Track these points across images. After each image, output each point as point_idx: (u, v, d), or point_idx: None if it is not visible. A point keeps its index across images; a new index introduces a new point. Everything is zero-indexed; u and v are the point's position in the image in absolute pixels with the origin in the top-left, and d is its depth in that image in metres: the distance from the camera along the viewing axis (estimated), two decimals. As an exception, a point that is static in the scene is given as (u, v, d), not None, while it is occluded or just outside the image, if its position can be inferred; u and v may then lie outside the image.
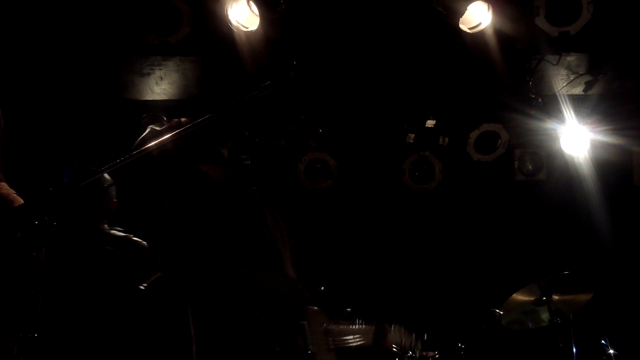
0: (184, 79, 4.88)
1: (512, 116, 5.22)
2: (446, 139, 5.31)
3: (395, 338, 3.12)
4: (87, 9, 4.30)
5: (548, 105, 5.03)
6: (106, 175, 3.35)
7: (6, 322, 2.60)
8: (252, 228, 2.30)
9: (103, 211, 3.71)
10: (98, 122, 5.11)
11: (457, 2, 4.12)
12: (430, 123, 5.20)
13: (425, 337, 3.92)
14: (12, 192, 2.61)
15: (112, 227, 3.79)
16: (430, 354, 4.35)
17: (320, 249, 5.28)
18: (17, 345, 2.65)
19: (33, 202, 1.86)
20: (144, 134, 2.46)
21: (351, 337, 2.69)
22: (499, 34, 4.27)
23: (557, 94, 4.95)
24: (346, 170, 5.58)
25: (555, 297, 4.29)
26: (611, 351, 4.22)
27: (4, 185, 2.65)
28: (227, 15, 4.19)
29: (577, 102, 5.08)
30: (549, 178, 5.57)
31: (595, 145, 5.18)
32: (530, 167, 5.60)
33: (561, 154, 5.35)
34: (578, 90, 5.01)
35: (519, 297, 4.37)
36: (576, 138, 5.17)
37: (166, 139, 1.91)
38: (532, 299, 4.35)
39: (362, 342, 2.84)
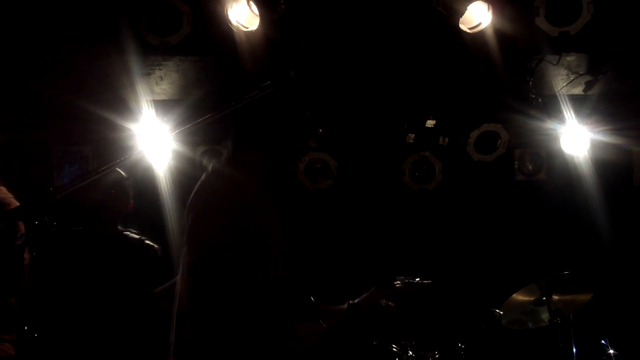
0: (184, 79, 4.88)
1: (512, 116, 5.22)
2: (446, 139, 5.31)
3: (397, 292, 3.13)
4: (87, 8, 4.30)
5: (548, 105, 5.03)
6: (121, 172, 3.31)
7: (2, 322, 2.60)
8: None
9: (121, 211, 3.65)
10: (98, 122, 5.11)
11: (457, 2, 4.12)
12: (430, 123, 5.20)
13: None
14: (9, 196, 2.62)
15: (126, 228, 3.75)
16: (430, 354, 4.35)
17: (320, 249, 5.29)
18: (14, 345, 2.65)
19: (33, 202, 1.86)
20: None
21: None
22: (499, 34, 4.27)
23: (557, 94, 4.95)
24: (346, 170, 5.58)
25: (555, 297, 4.29)
26: (611, 351, 4.23)
27: (3, 189, 2.65)
28: (227, 15, 4.19)
29: (577, 102, 5.08)
30: (549, 178, 5.57)
31: (595, 145, 5.18)
32: (530, 167, 5.60)
33: (561, 154, 5.35)
34: (578, 90, 5.01)
35: (519, 297, 4.37)
36: (576, 138, 5.17)
37: None
38: (532, 299, 4.35)
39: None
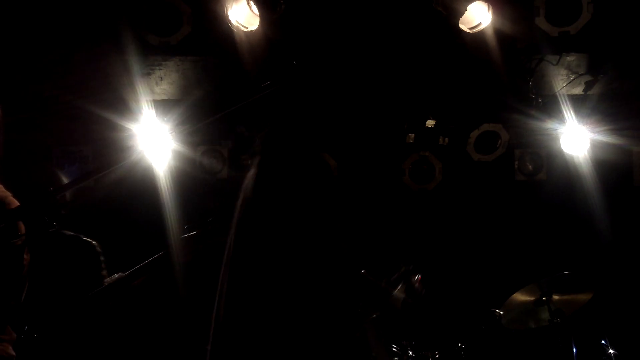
0: (184, 79, 4.88)
1: (512, 116, 5.22)
2: (446, 139, 5.31)
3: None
4: (87, 8, 4.30)
5: (548, 105, 5.02)
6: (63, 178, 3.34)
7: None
8: None
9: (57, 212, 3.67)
10: (98, 122, 5.11)
11: (457, 2, 4.13)
12: (430, 123, 5.20)
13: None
14: (8, 195, 2.61)
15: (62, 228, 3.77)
16: (430, 354, 4.35)
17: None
18: (13, 345, 2.65)
19: (33, 202, 1.86)
20: None
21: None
22: (499, 34, 4.27)
23: (557, 94, 4.95)
24: (346, 170, 5.58)
25: (555, 297, 4.29)
26: (611, 351, 4.23)
27: (0, 187, 2.65)
28: (227, 15, 4.20)
29: (577, 102, 5.07)
30: (549, 178, 5.57)
31: (595, 145, 5.18)
32: (530, 167, 5.60)
33: (561, 154, 5.35)
34: (578, 90, 5.01)
35: (519, 297, 4.37)
36: (576, 138, 5.16)
37: None
38: (532, 299, 4.36)
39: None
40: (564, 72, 4.77)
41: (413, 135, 5.29)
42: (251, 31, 4.26)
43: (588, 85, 4.91)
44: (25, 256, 2.55)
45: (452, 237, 5.63)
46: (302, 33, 4.42)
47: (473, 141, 5.28)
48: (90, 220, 4.26)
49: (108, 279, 3.49)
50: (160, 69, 4.71)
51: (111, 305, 3.44)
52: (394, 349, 4.32)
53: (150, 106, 4.90)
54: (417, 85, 5.13)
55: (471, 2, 4.11)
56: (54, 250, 3.55)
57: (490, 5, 4.17)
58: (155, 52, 4.42)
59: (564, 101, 4.95)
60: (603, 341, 4.28)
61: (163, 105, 5.06)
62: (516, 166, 5.59)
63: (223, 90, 4.96)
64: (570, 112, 4.99)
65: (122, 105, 4.85)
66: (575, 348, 4.16)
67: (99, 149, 5.45)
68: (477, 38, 4.29)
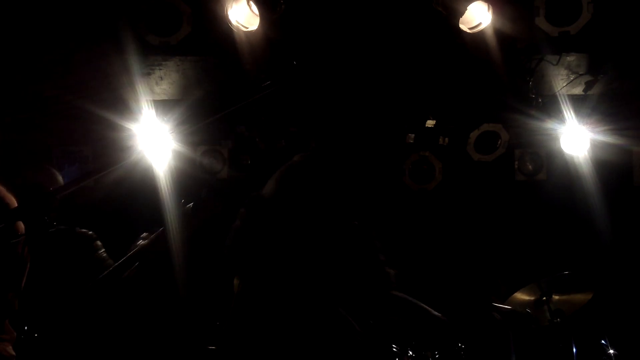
0: (184, 79, 4.87)
1: (512, 116, 5.22)
2: (446, 139, 5.31)
3: None
4: (87, 8, 4.30)
5: (548, 105, 5.02)
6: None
7: None
8: None
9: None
10: (98, 122, 5.11)
11: (457, 2, 4.12)
12: (430, 123, 5.20)
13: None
14: (8, 195, 2.61)
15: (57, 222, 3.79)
16: (430, 354, 4.35)
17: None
18: (12, 344, 2.65)
19: (33, 202, 1.86)
20: None
21: None
22: (499, 34, 4.27)
23: (557, 94, 4.95)
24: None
25: (555, 297, 4.29)
26: (611, 351, 4.23)
27: (2, 189, 2.64)
28: (227, 15, 4.19)
29: (577, 102, 5.07)
30: (549, 178, 5.57)
31: (595, 145, 5.18)
32: (530, 167, 5.60)
33: (561, 154, 5.35)
34: (578, 90, 5.01)
35: (519, 297, 4.37)
36: (576, 138, 5.16)
37: None
38: (532, 299, 4.36)
39: None
40: (564, 72, 4.77)
41: (413, 135, 5.29)
42: (251, 31, 4.26)
43: (588, 85, 4.90)
44: (25, 255, 2.55)
45: (452, 237, 5.62)
46: (302, 33, 4.42)
47: (473, 141, 5.28)
48: (90, 220, 4.26)
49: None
50: (160, 69, 4.71)
51: (109, 297, 3.45)
52: (394, 349, 4.32)
53: (150, 106, 4.90)
54: (417, 86, 5.13)
55: (471, 2, 4.11)
56: (49, 246, 3.55)
57: (490, 5, 4.16)
58: (155, 52, 4.42)
59: (564, 101, 4.95)
60: (603, 341, 4.28)
61: (163, 105, 5.06)
62: (516, 166, 5.58)
63: (223, 90, 4.96)
64: (570, 112, 4.99)
65: (122, 105, 4.85)
66: (575, 348, 4.16)
67: (99, 149, 5.44)
68: (477, 38, 4.29)
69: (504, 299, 4.34)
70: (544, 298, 4.29)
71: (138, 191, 5.10)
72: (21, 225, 2.45)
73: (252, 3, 4.16)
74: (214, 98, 4.98)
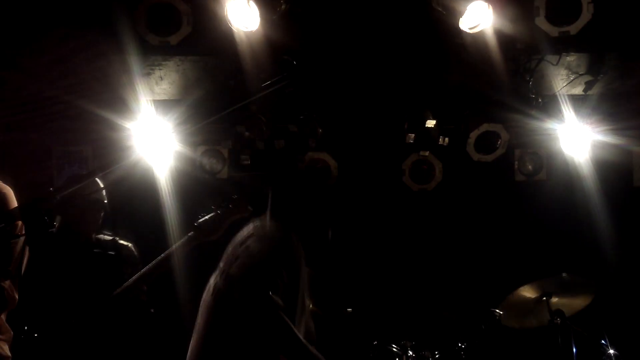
0: (184, 79, 4.88)
1: (512, 116, 5.21)
2: (446, 139, 5.30)
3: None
4: (87, 9, 4.30)
5: (548, 105, 5.02)
6: (99, 182, 3.43)
7: None
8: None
9: (95, 222, 3.77)
10: (98, 122, 5.11)
11: (457, 2, 4.12)
12: (430, 123, 5.19)
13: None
14: (8, 194, 2.61)
15: (99, 231, 3.86)
16: (430, 354, 4.35)
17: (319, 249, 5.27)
18: (10, 344, 2.65)
19: (33, 202, 1.86)
20: None
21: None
22: (499, 34, 4.27)
23: (557, 94, 4.94)
24: (346, 170, 5.57)
25: (555, 298, 4.30)
26: (611, 351, 4.23)
27: (0, 186, 2.65)
28: (227, 15, 4.19)
29: (577, 102, 5.07)
30: (549, 178, 5.57)
31: (595, 145, 5.17)
32: (530, 167, 5.60)
33: (561, 154, 5.35)
34: (578, 90, 5.01)
35: (518, 297, 4.37)
36: (576, 138, 5.16)
37: None
38: (532, 297, 4.36)
39: None
40: (564, 72, 4.77)
41: (413, 135, 5.28)
42: (251, 31, 4.26)
43: (588, 85, 4.90)
44: (24, 254, 2.55)
45: (452, 237, 5.62)
46: (302, 33, 4.42)
47: (473, 141, 5.28)
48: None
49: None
50: (160, 69, 4.71)
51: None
52: (394, 349, 4.32)
53: (150, 106, 4.90)
54: (417, 85, 5.13)
55: (471, 2, 4.11)
56: (90, 254, 3.61)
57: (490, 5, 4.16)
58: (155, 52, 4.42)
59: (564, 101, 4.95)
60: (603, 341, 4.28)
61: (163, 105, 5.06)
62: (516, 166, 5.58)
63: (223, 90, 4.96)
64: (570, 112, 4.99)
65: (122, 105, 4.85)
66: (575, 348, 4.16)
67: (99, 149, 5.45)
68: (477, 38, 4.29)
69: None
70: (544, 298, 4.29)
71: (138, 191, 5.10)
72: (21, 225, 2.45)
73: (252, 3, 4.16)
74: (214, 98, 4.98)
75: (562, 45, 4.38)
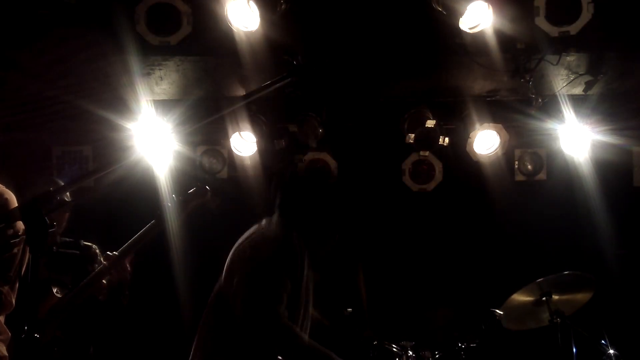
0: (184, 79, 4.87)
1: (512, 116, 5.21)
2: (446, 139, 5.30)
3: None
4: (87, 9, 4.30)
5: (548, 105, 5.02)
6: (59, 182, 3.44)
7: None
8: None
9: (61, 224, 3.80)
10: (98, 122, 5.11)
11: (457, 2, 4.12)
12: (430, 123, 5.19)
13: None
14: (8, 194, 2.61)
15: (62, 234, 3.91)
16: (430, 354, 4.35)
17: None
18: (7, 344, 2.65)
19: (33, 202, 1.86)
20: None
21: None
22: (499, 34, 4.27)
23: (557, 94, 4.94)
24: (346, 170, 5.57)
25: (555, 297, 4.29)
26: (611, 351, 4.23)
27: (0, 186, 2.65)
28: (227, 15, 4.19)
29: (577, 102, 5.07)
30: (549, 178, 5.57)
31: (595, 145, 5.18)
32: (530, 167, 5.60)
33: (561, 154, 5.35)
34: (578, 90, 5.01)
35: (519, 297, 4.37)
36: (576, 138, 5.16)
37: None
38: (532, 299, 4.36)
39: None
40: (564, 72, 4.76)
41: (413, 135, 5.29)
42: (251, 31, 4.26)
43: (588, 85, 4.90)
44: (24, 255, 2.55)
45: (452, 237, 5.62)
46: (302, 33, 4.41)
47: (473, 141, 5.28)
48: (90, 221, 4.27)
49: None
50: (160, 69, 4.71)
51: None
52: (394, 349, 4.32)
53: (150, 106, 4.90)
54: (417, 85, 5.13)
55: (471, 2, 4.11)
56: (55, 257, 3.62)
57: (490, 5, 4.16)
58: (155, 52, 4.42)
59: (564, 101, 4.95)
60: (603, 341, 4.28)
61: (163, 105, 5.06)
62: (516, 166, 5.58)
63: (223, 90, 4.96)
64: (570, 112, 4.99)
65: (122, 105, 4.85)
66: (575, 348, 4.16)
67: (99, 149, 5.45)
68: (477, 38, 4.29)
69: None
70: (544, 298, 4.29)
71: (138, 191, 5.10)
72: (21, 225, 2.45)
73: (252, 3, 4.16)
74: (214, 98, 4.98)
75: (562, 45, 4.38)
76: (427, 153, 5.48)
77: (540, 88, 4.90)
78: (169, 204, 3.50)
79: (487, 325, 4.45)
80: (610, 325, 4.48)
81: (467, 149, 5.30)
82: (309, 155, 5.50)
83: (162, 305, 5.25)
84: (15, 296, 2.60)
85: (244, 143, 5.21)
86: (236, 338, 2.75)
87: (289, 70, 2.10)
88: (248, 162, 5.31)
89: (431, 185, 5.55)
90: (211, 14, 4.25)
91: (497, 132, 5.24)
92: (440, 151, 5.47)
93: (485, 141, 5.30)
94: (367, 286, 5.36)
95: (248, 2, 4.17)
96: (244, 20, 4.23)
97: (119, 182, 4.44)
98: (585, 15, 4.17)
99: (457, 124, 5.39)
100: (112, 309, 3.59)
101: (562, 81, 4.88)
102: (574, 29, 4.22)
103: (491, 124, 5.23)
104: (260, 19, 4.19)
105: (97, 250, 3.88)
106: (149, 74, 4.74)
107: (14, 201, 2.58)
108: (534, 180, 5.59)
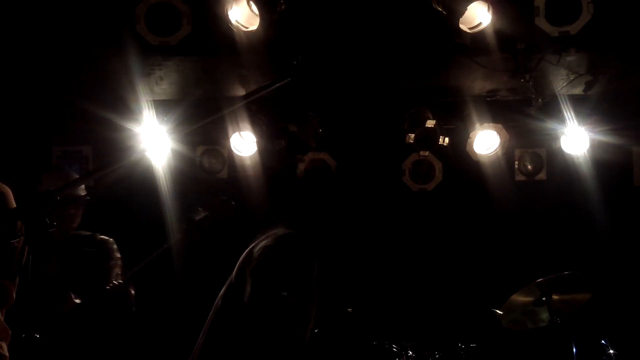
0: (184, 79, 4.87)
1: (512, 116, 5.22)
2: (446, 139, 5.30)
3: None
4: (87, 8, 4.30)
5: (548, 105, 5.02)
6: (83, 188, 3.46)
7: None
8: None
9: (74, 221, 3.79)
10: (98, 122, 5.11)
11: (457, 2, 4.12)
12: (430, 123, 5.20)
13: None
14: (7, 194, 2.60)
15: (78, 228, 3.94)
16: (430, 354, 4.35)
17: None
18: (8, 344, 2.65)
19: (34, 202, 1.86)
20: None
21: None
22: (499, 34, 4.27)
23: (557, 94, 4.94)
24: (346, 170, 5.57)
25: (555, 297, 4.29)
26: (611, 351, 4.23)
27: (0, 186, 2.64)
28: (227, 15, 4.19)
29: (577, 102, 5.07)
30: (549, 178, 5.57)
31: (595, 145, 5.18)
32: (530, 167, 5.60)
33: (561, 154, 5.35)
34: (578, 90, 5.01)
35: (518, 297, 4.37)
36: (576, 138, 5.16)
37: None
38: (532, 299, 4.35)
39: None
40: (564, 72, 4.76)
41: (413, 135, 5.29)
42: (251, 31, 4.26)
43: (588, 85, 4.90)
44: (24, 254, 2.55)
45: (452, 237, 5.62)
46: (302, 33, 4.41)
47: (473, 141, 5.28)
48: (89, 220, 4.26)
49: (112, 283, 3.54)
50: (160, 69, 4.71)
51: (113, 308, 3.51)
52: (394, 349, 4.32)
53: (150, 106, 4.90)
54: (417, 85, 5.12)
55: (471, 2, 4.11)
56: (70, 251, 3.62)
57: (490, 5, 4.16)
58: (155, 52, 4.42)
59: (564, 101, 4.95)
60: (603, 341, 4.28)
61: (163, 105, 5.06)
62: (516, 166, 5.58)
63: (223, 91, 4.96)
64: (570, 112, 4.99)
65: (122, 105, 4.86)
66: (575, 348, 4.16)
67: (99, 149, 5.45)
68: (477, 38, 4.29)
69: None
70: (544, 298, 4.29)
71: (138, 191, 5.10)
72: (21, 225, 2.45)
73: (252, 3, 4.16)
74: (214, 98, 4.98)
75: (562, 45, 4.38)
76: (427, 153, 5.47)
77: (540, 88, 4.90)
78: (196, 218, 3.51)
79: (487, 325, 4.46)
80: (610, 325, 4.48)
81: (467, 149, 5.31)
82: (309, 155, 5.50)
83: (162, 305, 5.26)
84: (15, 290, 2.60)
85: (244, 143, 5.21)
86: (241, 340, 2.74)
87: (289, 70, 2.10)
88: (248, 162, 5.31)
89: (431, 185, 5.55)
90: (211, 14, 4.25)
91: (497, 132, 5.24)
92: (440, 151, 5.47)
93: (485, 141, 5.30)
94: (367, 286, 5.36)
95: (248, 2, 4.17)
96: (244, 20, 4.23)
97: (119, 182, 4.45)
98: (585, 15, 4.17)
99: (457, 124, 5.39)
100: (120, 316, 3.59)
101: (562, 81, 4.88)
102: (574, 29, 4.22)
103: (491, 124, 5.24)
104: (260, 19, 4.19)
105: (114, 245, 3.86)
106: (149, 74, 4.74)
107: (9, 195, 2.58)
108: (534, 180, 5.59)
